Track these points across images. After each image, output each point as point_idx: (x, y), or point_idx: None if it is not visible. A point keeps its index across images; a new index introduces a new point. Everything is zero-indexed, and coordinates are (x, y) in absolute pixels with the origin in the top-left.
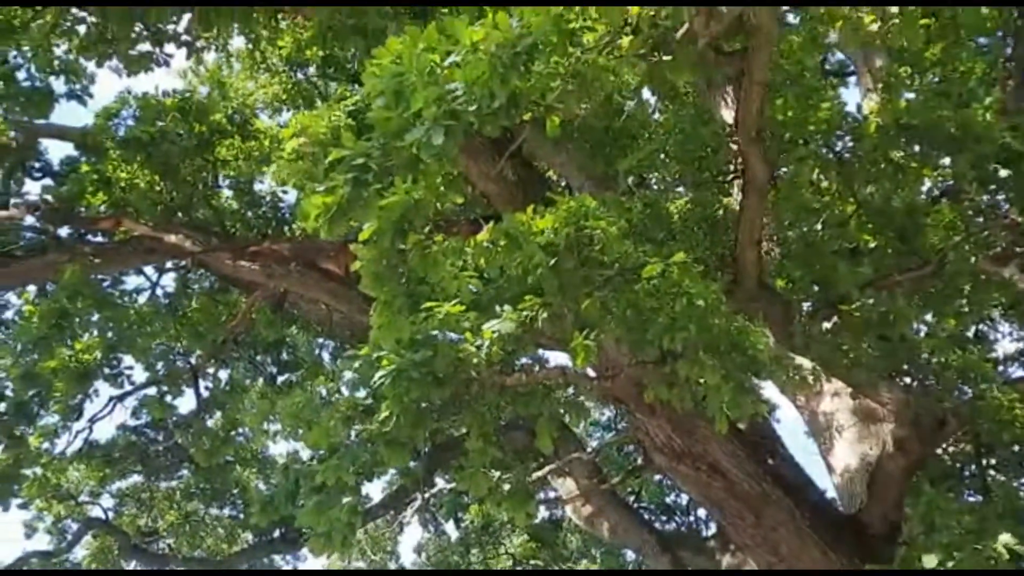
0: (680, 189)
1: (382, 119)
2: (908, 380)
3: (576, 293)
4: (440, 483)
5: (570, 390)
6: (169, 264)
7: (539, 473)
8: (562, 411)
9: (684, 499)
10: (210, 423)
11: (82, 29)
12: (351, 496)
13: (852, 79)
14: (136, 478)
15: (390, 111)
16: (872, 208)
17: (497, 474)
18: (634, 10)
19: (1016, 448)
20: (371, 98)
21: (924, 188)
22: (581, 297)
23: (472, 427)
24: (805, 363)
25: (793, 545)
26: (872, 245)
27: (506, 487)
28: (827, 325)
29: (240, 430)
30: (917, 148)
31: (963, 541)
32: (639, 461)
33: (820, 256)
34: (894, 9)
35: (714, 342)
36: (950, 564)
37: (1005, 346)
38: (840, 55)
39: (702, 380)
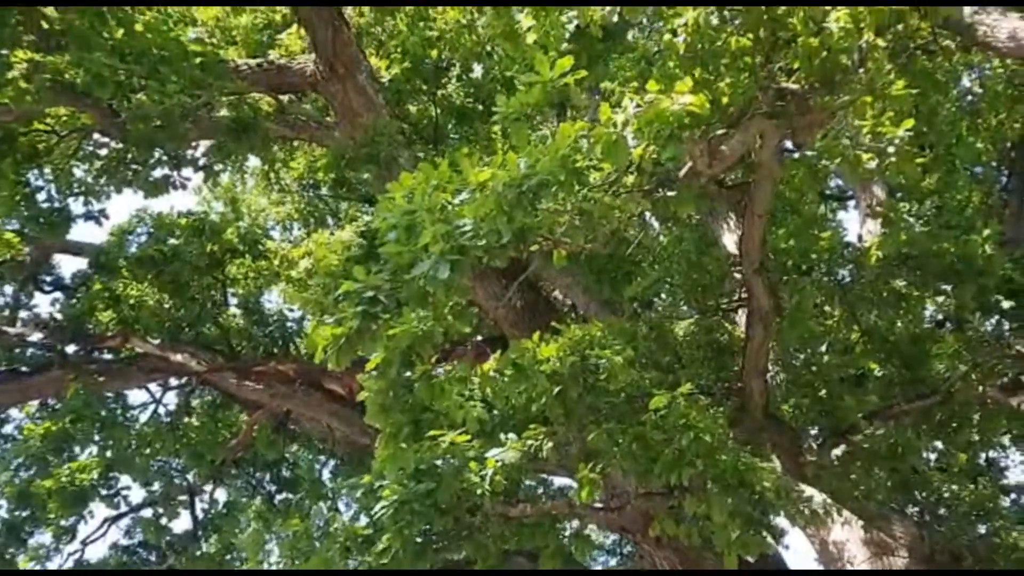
0: (685, 311)
1: (393, 253)
2: (920, 513)
3: (582, 422)
4: None
5: (575, 522)
6: (172, 381)
7: None
8: (567, 543)
9: None
10: (205, 547)
11: (103, 152)
12: None
13: (851, 203)
14: None
15: (401, 245)
16: (876, 336)
17: None
18: (637, 152)
19: None
20: (383, 232)
21: (927, 315)
22: (587, 427)
23: (476, 558)
24: (816, 496)
25: None
26: (878, 373)
27: None
28: (836, 453)
29: (235, 554)
30: (919, 276)
31: None
32: None
33: (826, 383)
34: (890, 149)
35: (721, 477)
36: None
37: (1017, 475)
38: (840, 181)
39: (709, 516)
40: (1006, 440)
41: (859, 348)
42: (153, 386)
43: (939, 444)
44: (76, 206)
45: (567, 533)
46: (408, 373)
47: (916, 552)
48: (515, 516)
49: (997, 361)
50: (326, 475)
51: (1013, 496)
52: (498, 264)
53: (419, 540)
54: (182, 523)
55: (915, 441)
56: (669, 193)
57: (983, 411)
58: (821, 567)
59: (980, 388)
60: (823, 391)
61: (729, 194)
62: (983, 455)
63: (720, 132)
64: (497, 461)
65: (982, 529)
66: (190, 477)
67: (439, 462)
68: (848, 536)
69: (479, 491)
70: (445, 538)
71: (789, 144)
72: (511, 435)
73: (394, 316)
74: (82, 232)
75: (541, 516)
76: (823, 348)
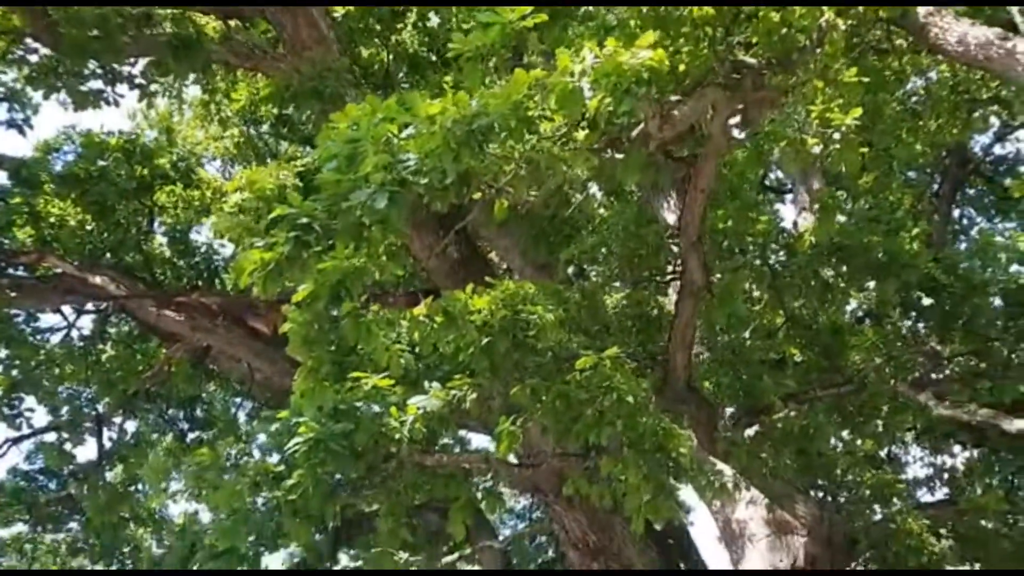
0: (618, 284)
1: (331, 181)
2: (822, 496)
3: (507, 377)
4: (344, 560)
5: (489, 477)
6: (89, 306)
7: (448, 559)
8: (479, 497)
9: None
10: (109, 476)
11: (33, 59)
12: (248, 566)
13: (789, 196)
14: (21, 527)
15: (340, 174)
16: (800, 323)
17: (405, 556)
18: (592, 104)
19: None
20: (323, 160)
21: (849, 309)
22: (512, 381)
23: (385, 506)
24: (726, 470)
25: None
26: (797, 359)
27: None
28: (749, 433)
29: (139, 487)
30: (846, 269)
31: None
32: (551, 554)
33: (747, 364)
34: (836, 135)
35: (639, 441)
36: None
37: (916, 470)
38: (780, 173)
39: (623, 478)
40: (909, 437)
41: (782, 333)
42: (68, 310)
43: (846, 433)
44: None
45: (480, 488)
46: (335, 312)
47: (815, 532)
48: (431, 465)
49: (910, 357)
50: (242, 418)
51: (910, 490)
52: (439, 207)
53: (330, 481)
54: (87, 451)
55: (826, 426)
56: (618, 156)
57: (892, 404)
58: (723, 545)
59: (892, 381)
60: (743, 372)
61: (675, 167)
62: (886, 448)
63: (674, 98)
64: (419, 409)
65: (879, 515)
66: (100, 406)
67: (359, 404)
68: (751, 515)
69: (397, 436)
70: (358, 482)
71: (736, 126)
72: (435, 384)
73: (326, 250)
74: (3, 143)
75: (456, 468)
76: (747, 331)
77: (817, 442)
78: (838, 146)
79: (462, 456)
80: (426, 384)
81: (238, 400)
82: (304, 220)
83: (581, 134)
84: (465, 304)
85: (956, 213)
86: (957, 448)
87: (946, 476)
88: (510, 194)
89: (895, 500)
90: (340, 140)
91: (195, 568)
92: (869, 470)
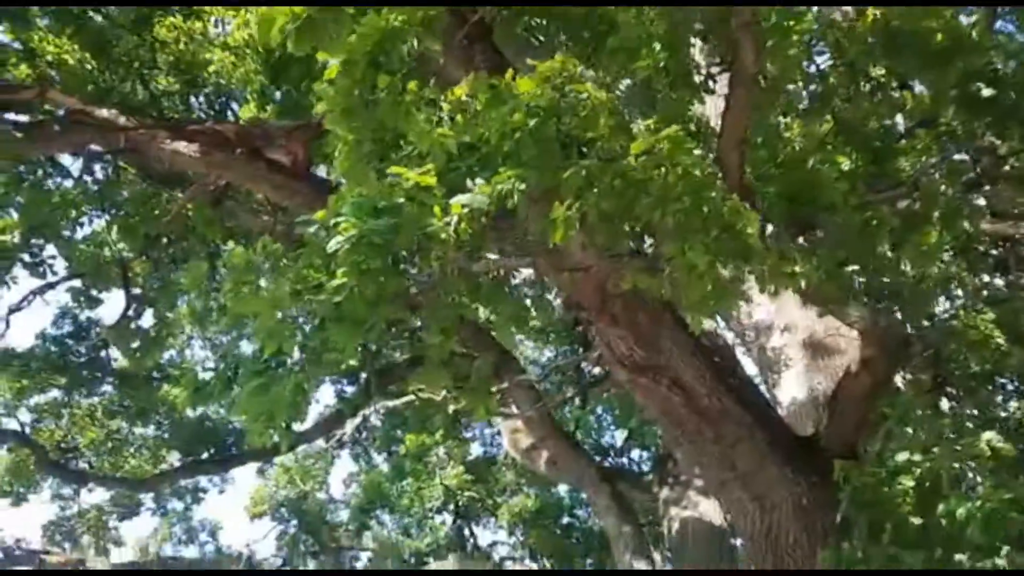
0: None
1: None
2: (876, 300)
3: (556, 163)
4: (374, 418)
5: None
6: (100, 149)
7: (498, 388)
8: (528, 305)
9: (619, 439)
10: (142, 323)
11: None
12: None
13: None
14: (55, 393)
15: None
16: (849, 128)
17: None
18: None
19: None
20: None
21: (900, 118)
22: (562, 169)
23: (432, 319)
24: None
25: (751, 462)
26: (845, 167)
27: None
28: (801, 240)
29: (171, 330)
30: (898, 62)
31: (941, 442)
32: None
33: (796, 168)
34: None
35: (706, 220)
36: (927, 464)
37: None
38: None
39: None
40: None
41: (831, 139)
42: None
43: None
44: None
45: (528, 296)
46: (372, 87)
47: (870, 336)
48: (477, 271)
49: (964, 158)
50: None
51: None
52: None
53: (376, 283)
54: (114, 307)
55: (886, 216)
56: None
57: (946, 208)
58: (759, 374)
59: (944, 186)
60: (795, 176)
61: None
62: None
63: None
64: (463, 207)
65: (942, 307)
66: (121, 250)
67: (401, 201)
68: (787, 341)
69: (443, 236)
70: (402, 289)
71: None
72: (479, 180)
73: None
74: None
75: (504, 272)
76: (797, 133)
77: (877, 238)
78: None
79: (510, 260)
80: (469, 182)
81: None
82: None
83: None
84: (508, 84)
85: None
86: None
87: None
88: None
89: (959, 294)
90: None
91: (236, 390)
92: (938, 263)
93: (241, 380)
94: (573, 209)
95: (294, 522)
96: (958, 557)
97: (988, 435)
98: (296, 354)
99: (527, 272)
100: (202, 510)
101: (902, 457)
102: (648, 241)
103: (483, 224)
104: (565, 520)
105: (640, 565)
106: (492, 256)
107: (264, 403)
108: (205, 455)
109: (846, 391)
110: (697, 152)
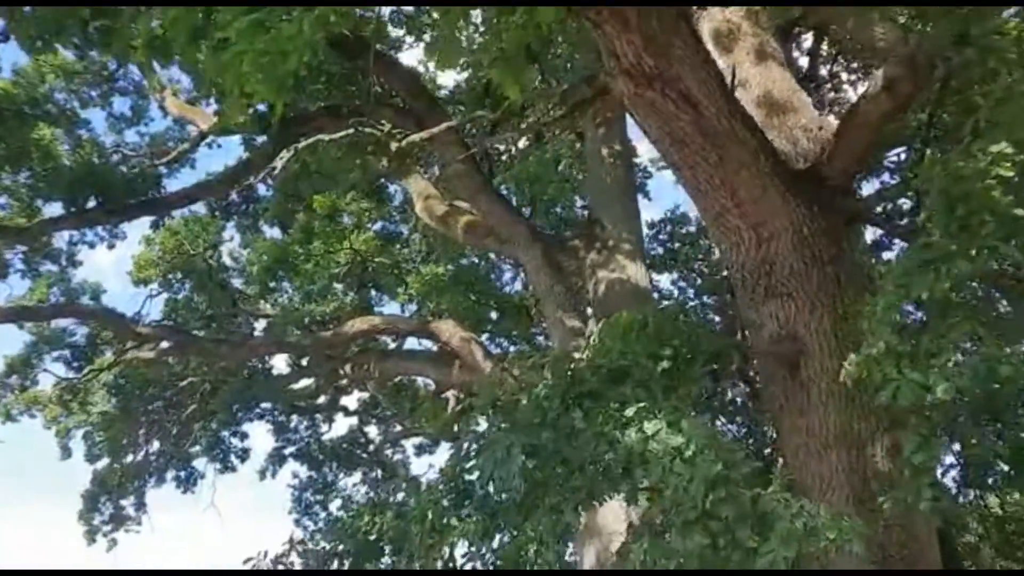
0: None
1: None
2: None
3: None
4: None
5: None
6: None
7: (421, 135)
8: None
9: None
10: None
11: None
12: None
13: None
14: None
15: None
16: None
17: None
18: None
19: None
20: None
21: None
22: None
23: None
24: None
25: (753, 190)
26: None
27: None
28: None
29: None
30: None
31: None
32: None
33: None
34: None
35: None
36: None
37: None
38: None
39: None
40: None
41: None
42: None
43: None
44: None
45: None
46: None
47: (897, 54)
48: None
49: None
50: None
51: None
52: None
53: None
54: None
55: None
56: None
57: None
58: None
59: None
60: None
61: None
62: None
63: None
64: None
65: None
66: None
67: None
68: (741, 97)
69: None
70: None
71: None
72: None
73: None
74: None
75: None
76: None
77: None
78: None
79: None
80: None
81: None
82: None
83: None
84: None
85: None
86: None
87: None
88: None
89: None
90: None
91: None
92: None
93: (221, 23)
94: None
95: (186, 289)
96: None
97: None
98: None
99: None
100: (82, 272)
101: (996, 148)
102: None
103: None
104: (479, 288)
105: (573, 323)
106: None
107: (268, 43)
108: (93, 202)
109: (860, 116)
110: None
